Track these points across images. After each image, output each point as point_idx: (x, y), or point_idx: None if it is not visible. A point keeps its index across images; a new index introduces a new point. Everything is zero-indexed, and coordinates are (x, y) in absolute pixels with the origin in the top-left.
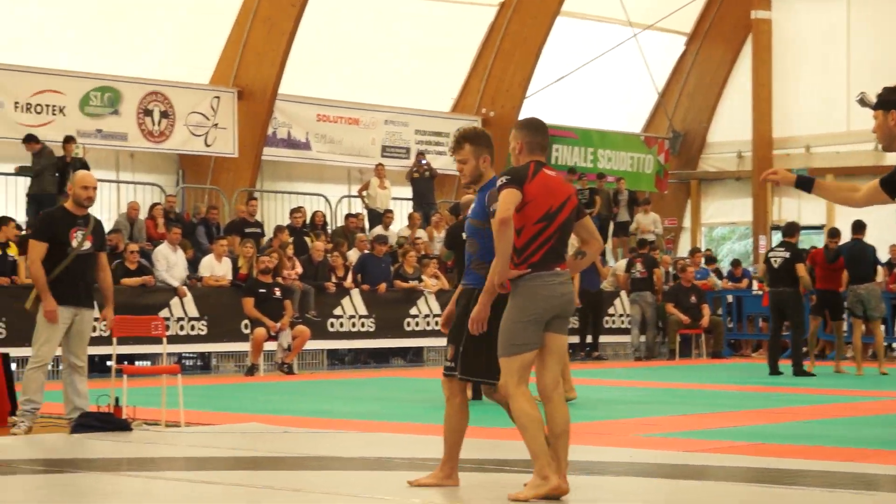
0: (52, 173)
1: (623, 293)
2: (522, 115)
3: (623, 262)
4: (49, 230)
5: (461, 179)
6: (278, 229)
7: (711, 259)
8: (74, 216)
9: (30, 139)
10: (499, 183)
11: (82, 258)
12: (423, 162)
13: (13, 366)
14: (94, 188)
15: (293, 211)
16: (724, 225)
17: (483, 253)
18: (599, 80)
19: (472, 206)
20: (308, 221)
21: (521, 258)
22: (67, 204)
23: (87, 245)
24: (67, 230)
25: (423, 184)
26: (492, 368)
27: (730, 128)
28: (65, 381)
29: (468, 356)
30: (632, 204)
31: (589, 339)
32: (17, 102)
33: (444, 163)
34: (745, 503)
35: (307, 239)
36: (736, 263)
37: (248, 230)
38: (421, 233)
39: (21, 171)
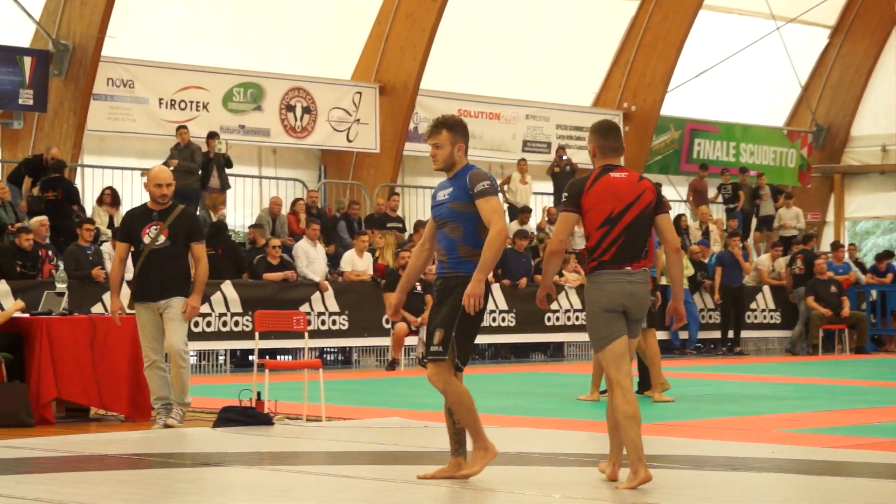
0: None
1: (766, 288)
2: (664, 110)
3: (766, 257)
4: (125, 230)
5: (434, 164)
6: (419, 224)
7: (888, 253)
8: (151, 212)
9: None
10: (563, 198)
11: (157, 253)
12: (564, 157)
13: None
14: (168, 185)
15: None
16: (867, 219)
17: (469, 237)
18: (742, 74)
19: (449, 191)
20: None
21: (592, 256)
22: (149, 201)
23: (162, 239)
24: (140, 228)
25: (564, 178)
26: (467, 355)
27: (874, 121)
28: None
29: (457, 342)
30: (774, 198)
31: (730, 334)
32: (161, 99)
33: (585, 157)
34: (888, 500)
35: None
36: (880, 258)
37: (389, 225)
38: None
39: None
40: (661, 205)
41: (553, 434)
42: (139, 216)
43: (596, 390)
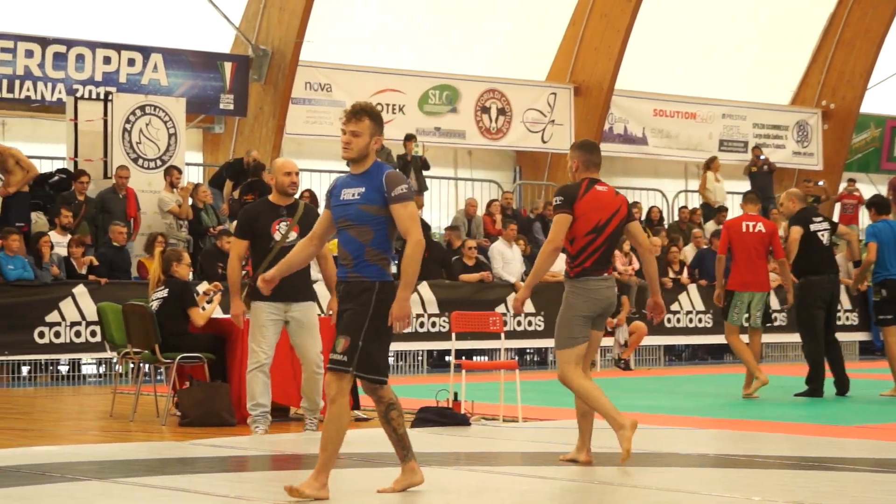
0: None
1: None
2: (864, 108)
3: None
4: (249, 226)
5: (345, 153)
6: None
7: None
8: (278, 207)
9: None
10: (555, 203)
11: (287, 251)
12: (762, 157)
13: None
14: (297, 173)
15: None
16: None
17: (380, 241)
18: None
19: (360, 190)
20: (644, 216)
21: (574, 263)
22: (272, 196)
23: (293, 236)
24: (269, 223)
25: (762, 178)
26: (384, 366)
27: None
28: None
29: (367, 352)
30: None
31: None
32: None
33: (781, 156)
34: None
35: None
36: None
37: None
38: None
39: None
40: (631, 215)
41: (754, 437)
42: (265, 211)
43: (748, 384)
